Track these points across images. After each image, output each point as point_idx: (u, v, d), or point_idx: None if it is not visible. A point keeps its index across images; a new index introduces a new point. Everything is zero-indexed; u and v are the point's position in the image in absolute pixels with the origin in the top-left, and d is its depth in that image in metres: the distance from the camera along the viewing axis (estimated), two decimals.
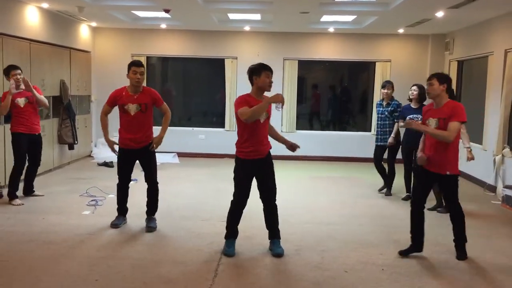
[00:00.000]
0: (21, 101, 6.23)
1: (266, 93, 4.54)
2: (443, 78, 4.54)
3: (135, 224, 5.47)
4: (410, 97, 6.77)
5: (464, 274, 4.29)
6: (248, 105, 4.32)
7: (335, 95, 11.62)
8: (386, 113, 7.12)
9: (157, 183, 5.45)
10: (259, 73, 4.43)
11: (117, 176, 5.41)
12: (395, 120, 7.06)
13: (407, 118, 6.67)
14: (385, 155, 7.26)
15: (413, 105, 6.74)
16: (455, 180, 4.55)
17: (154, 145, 5.27)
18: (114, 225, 5.36)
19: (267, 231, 4.75)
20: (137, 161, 5.41)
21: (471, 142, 8.64)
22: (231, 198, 4.65)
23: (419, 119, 6.51)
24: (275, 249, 4.63)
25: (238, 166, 4.56)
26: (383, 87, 7.24)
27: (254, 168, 4.53)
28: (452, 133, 4.37)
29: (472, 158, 6.12)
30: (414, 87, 6.76)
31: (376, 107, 7.40)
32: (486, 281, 4.16)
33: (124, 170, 5.38)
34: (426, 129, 4.54)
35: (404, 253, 4.66)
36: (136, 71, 5.05)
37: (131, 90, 5.16)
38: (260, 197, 4.65)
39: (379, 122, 7.20)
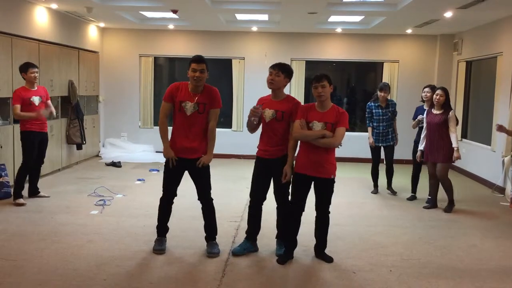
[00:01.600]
0: (36, 100, 6.29)
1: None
2: (331, 80, 4.33)
3: (144, 223, 5.48)
4: (424, 99, 6.79)
5: (472, 276, 4.26)
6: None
7: (340, 96, 11.59)
8: (389, 114, 7.12)
9: (212, 200, 4.72)
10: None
11: (162, 189, 4.65)
12: (395, 120, 7.23)
13: (419, 116, 6.73)
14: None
15: (426, 107, 6.76)
16: (333, 184, 4.40)
17: (202, 162, 4.45)
18: (158, 250, 4.59)
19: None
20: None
21: (479, 143, 8.63)
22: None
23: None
24: (277, 250, 4.67)
25: (255, 163, 4.63)
26: (382, 89, 7.14)
27: (265, 167, 4.52)
28: (339, 138, 4.28)
29: (459, 157, 6.22)
30: (427, 89, 6.78)
31: (373, 109, 7.18)
32: (494, 283, 4.13)
33: (172, 180, 4.57)
34: (309, 134, 4.26)
35: (281, 260, 4.46)
36: (195, 68, 4.33)
37: (191, 88, 4.44)
38: (274, 193, 4.63)
39: (382, 124, 7.12)
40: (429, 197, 6.78)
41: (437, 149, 6.26)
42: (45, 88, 6.74)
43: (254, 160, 4.64)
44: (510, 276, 4.28)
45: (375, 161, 7.37)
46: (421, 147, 6.53)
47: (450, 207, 6.39)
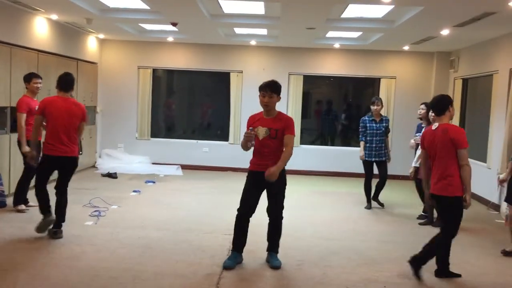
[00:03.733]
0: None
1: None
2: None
3: (138, 235, 5.47)
4: (419, 115, 6.82)
5: None
6: (250, 126, 4.58)
7: (333, 111, 11.64)
8: (383, 128, 7.17)
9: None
10: (259, 91, 4.59)
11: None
12: (387, 136, 7.33)
13: (414, 135, 6.75)
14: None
15: (423, 124, 6.78)
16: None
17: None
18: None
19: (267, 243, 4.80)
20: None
21: (475, 160, 8.64)
22: (234, 211, 4.66)
23: None
24: (273, 262, 4.65)
25: (246, 177, 4.71)
26: (373, 103, 7.26)
27: (258, 180, 4.54)
28: None
29: None
30: (422, 106, 6.81)
31: (367, 124, 7.27)
32: None
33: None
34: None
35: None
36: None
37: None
38: (266, 210, 4.68)
39: (376, 138, 7.18)
40: (423, 213, 6.79)
41: None
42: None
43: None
44: None
45: (367, 176, 7.40)
46: (415, 164, 6.48)
47: None
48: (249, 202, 4.59)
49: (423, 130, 6.42)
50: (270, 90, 4.53)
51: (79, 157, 5.67)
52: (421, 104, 6.88)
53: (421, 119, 6.86)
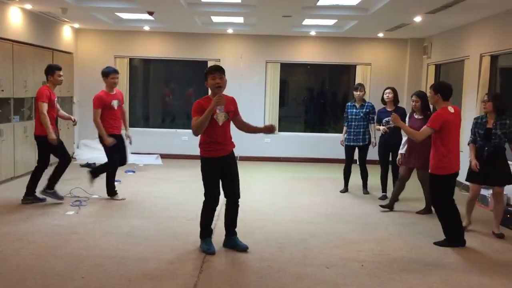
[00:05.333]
0: (115, 103, 6.68)
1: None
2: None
3: (121, 223, 5.53)
4: (386, 100, 7.03)
5: (439, 269, 4.45)
6: (202, 113, 4.39)
7: (314, 97, 11.81)
8: (362, 114, 7.32)
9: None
10: (206, 76, 4.56)
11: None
12: (371, 122, 7.36)
13: (384, 120, 6.91)
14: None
15: (388, 108, 7.02)
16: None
17: None
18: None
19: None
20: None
21: None
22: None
23: None
24: (241, 245, 4.75)
25: (204, 165, 4.67)
26: (355, 89, 7.45)
27: (219, 165, 4.63)
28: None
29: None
30: (389, 90, 7.05)
31: (348, 109, 7.47)
32: (460, 275, 4.33)
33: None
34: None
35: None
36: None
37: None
38: (225, 196, 4.75)
39: (354, 123, 7.35)
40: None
41: (418, 154, 6.17)
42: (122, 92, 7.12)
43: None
44: (475, 268, 4.50)
45: (347, 161, 7.57)
46: (402, 150, 6.48)
47: (426, 211, 6.39)
48: (217, 188, 4.66)
49: (407, 116, 6.54)
50: (220, 71, 4.52)
51: (43, 136, 6.29)
52: (387, 88, 7.11)
53: (385, 103, 7.09)
